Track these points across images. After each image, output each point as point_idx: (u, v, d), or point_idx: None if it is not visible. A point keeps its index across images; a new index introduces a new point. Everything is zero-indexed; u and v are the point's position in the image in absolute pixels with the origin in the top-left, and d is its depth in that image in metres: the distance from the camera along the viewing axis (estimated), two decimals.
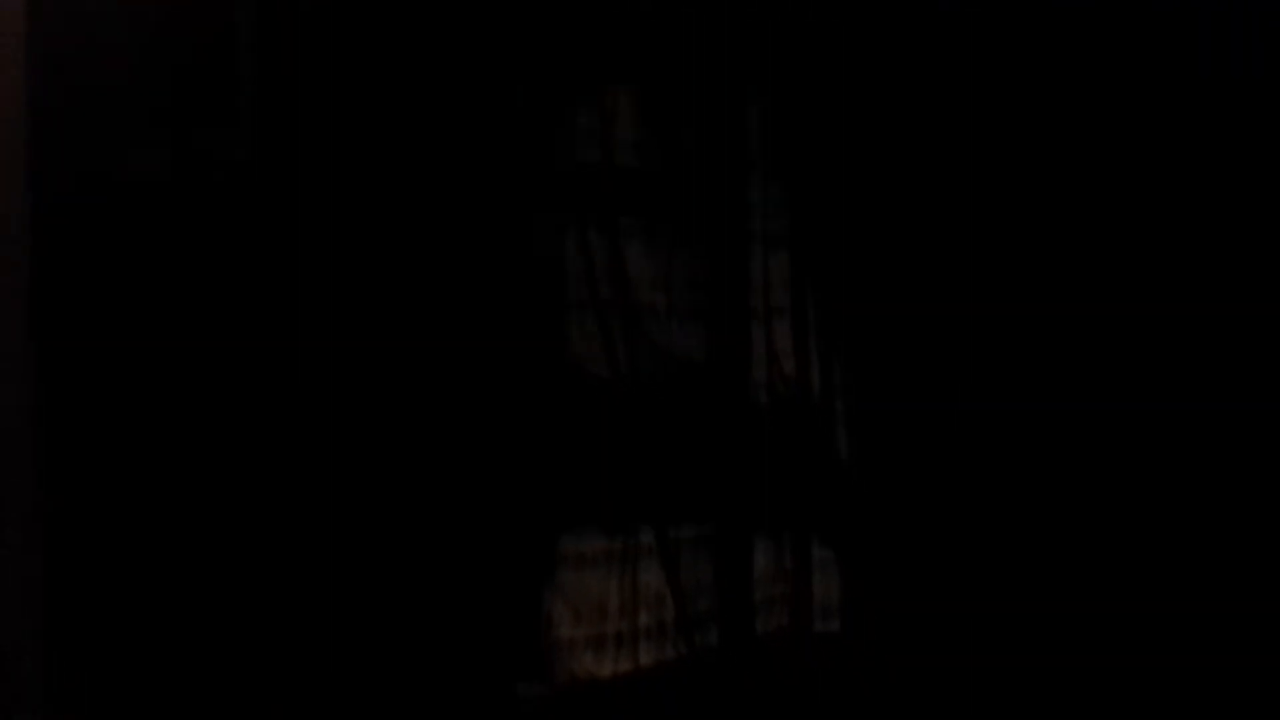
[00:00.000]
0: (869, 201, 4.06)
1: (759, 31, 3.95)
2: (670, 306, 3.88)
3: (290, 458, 3.44)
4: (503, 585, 3.59)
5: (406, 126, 3.40)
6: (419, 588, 3.51)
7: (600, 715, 3.69)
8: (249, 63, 3.33)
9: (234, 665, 3.30)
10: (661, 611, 3.86)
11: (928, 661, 4.06)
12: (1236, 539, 3.84)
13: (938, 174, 4.07)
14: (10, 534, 2.80)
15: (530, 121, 3.58)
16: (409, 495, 3.51)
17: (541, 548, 3.65)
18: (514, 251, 3.59)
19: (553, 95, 3.60)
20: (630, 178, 3.77)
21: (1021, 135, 4.05)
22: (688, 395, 3.91)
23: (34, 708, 2.77)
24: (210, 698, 3.26)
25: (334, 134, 3.33)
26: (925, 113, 4.03)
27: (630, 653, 3.79)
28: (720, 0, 3.87)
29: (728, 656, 3.94)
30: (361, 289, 3.39)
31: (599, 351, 3.74)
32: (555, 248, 3.65)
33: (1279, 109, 3.68)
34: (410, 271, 3.45)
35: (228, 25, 3.27)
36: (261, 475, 3.41)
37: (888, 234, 4.10)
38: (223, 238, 3.28)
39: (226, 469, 3.30)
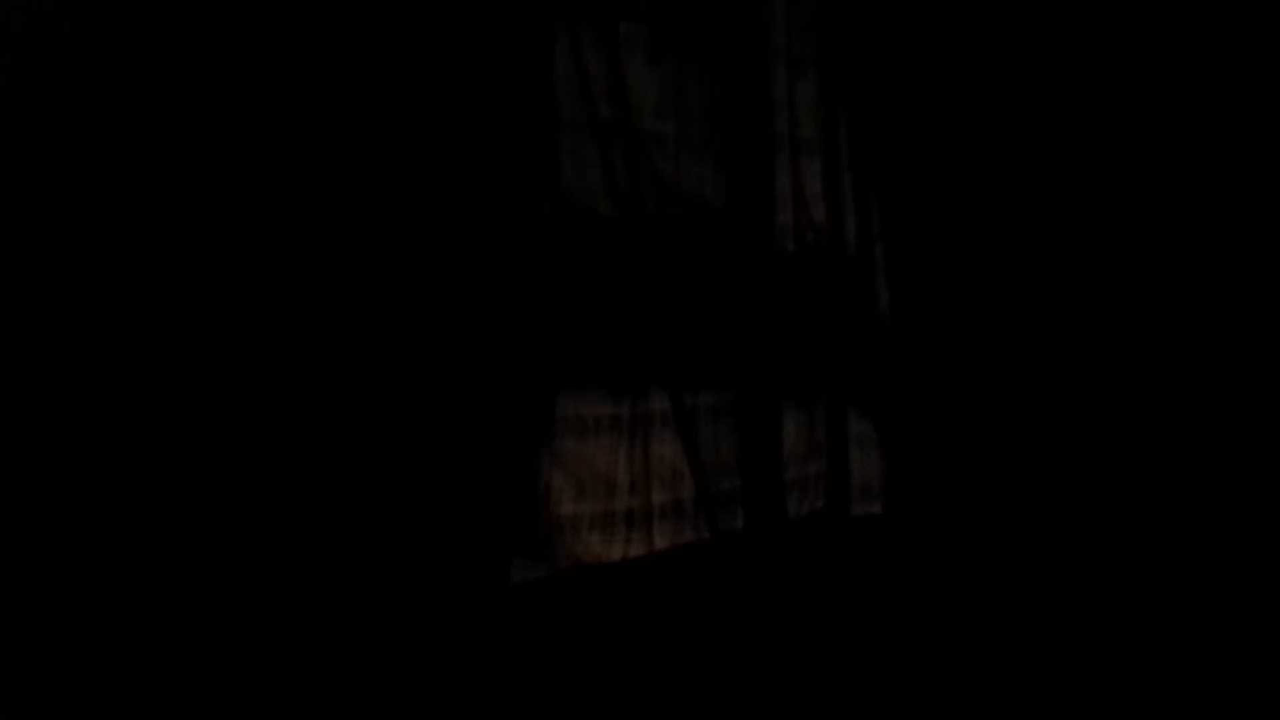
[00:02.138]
0: (914, 12, 3.53)
1: None
2: (680, 136, 3.35)
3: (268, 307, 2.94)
4: (494, 452, 3.07)
5: None
6: (400, 457, 2.99)
7: (608, 603, 3.17)
8: None
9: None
10: (678, 489, 3.34)
11: (978, 544, 3.57)
12: None
13: None
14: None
15: None
16: (386, 353, 3.00)
17: (538, 411, 3.13)
18: (498, 63, 3.06)
19: None
20: None
21: None
22: (702, 240, 3.38)
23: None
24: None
25: None
26: None
27: (643, 535, 3.27)
28: None
29: (754, 542, 3.42)
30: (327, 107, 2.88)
31: (598, 184, 3.21)
32: (544, 59, 3.11)
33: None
34: (380, 92, 2.92)
35: None
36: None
37: (934, 53, 3.57)
38: None
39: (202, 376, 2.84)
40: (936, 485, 3.60)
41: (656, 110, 3.30)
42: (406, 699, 2.96)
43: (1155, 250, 3.61)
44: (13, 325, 2.72)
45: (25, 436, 2.69)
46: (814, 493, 3.56)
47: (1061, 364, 3.57)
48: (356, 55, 2.94)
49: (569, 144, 3.14)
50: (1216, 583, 3.45)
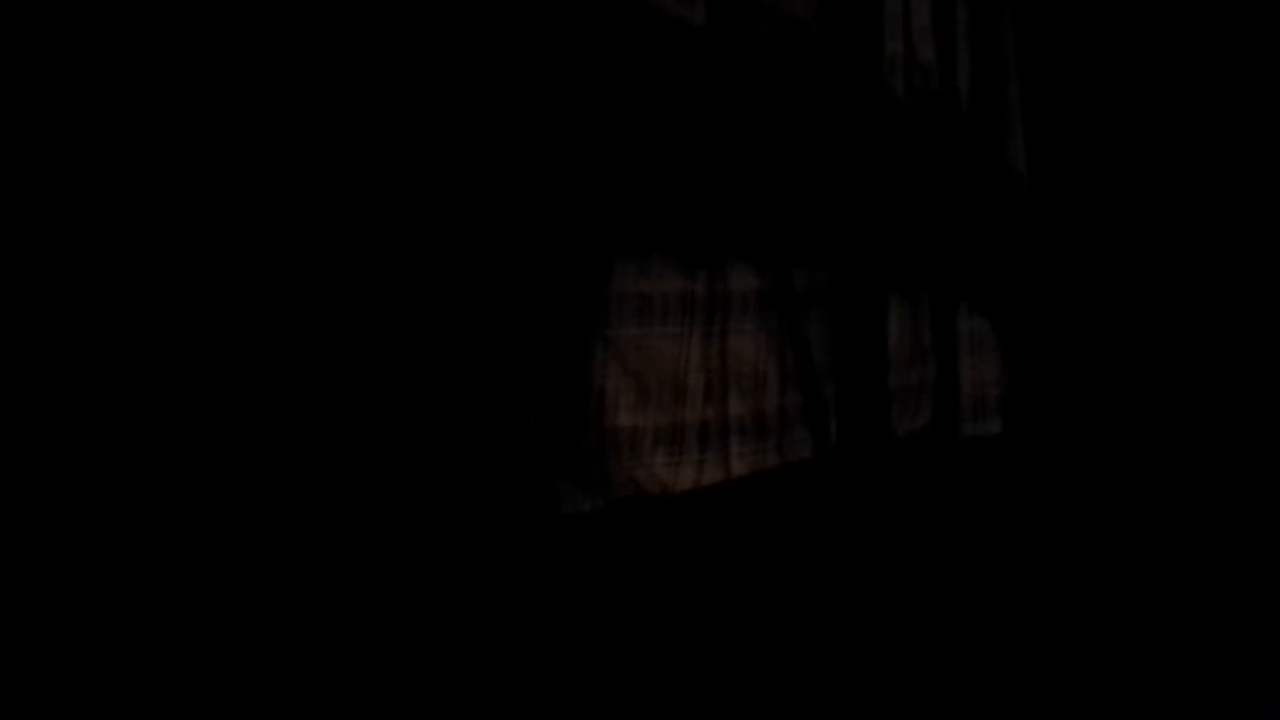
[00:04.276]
0: None
1: None
2: None
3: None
4: (530, 345, 2.25)
5: None
6: (412, 351, 2.17)
7: (675, 539, 2.37)
8: None
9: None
10: (760, 397, 2.54)
11: (1121, 478, 2.82)
12: None
13: None
14: None
15: None
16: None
17: (590, 283, 2.31)
18: None
19: None
20: None
21: None
22: (793, 70, 2.58)
23: None
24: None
25: None
26: None
27: (718, 456, 2.47)
28: None
29: (850, 463, 2.65)
30: None
31: None
32: None
33: None
34: None
35: None
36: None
37: None
38: None
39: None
40: (1069, 402, 2.85)
41: None
42: (422, 661, 2.16)
43: None
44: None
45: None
46: (916, 406, 2.79)
47: (1240, 257, 2.82)
48: None
49: None
50: None
